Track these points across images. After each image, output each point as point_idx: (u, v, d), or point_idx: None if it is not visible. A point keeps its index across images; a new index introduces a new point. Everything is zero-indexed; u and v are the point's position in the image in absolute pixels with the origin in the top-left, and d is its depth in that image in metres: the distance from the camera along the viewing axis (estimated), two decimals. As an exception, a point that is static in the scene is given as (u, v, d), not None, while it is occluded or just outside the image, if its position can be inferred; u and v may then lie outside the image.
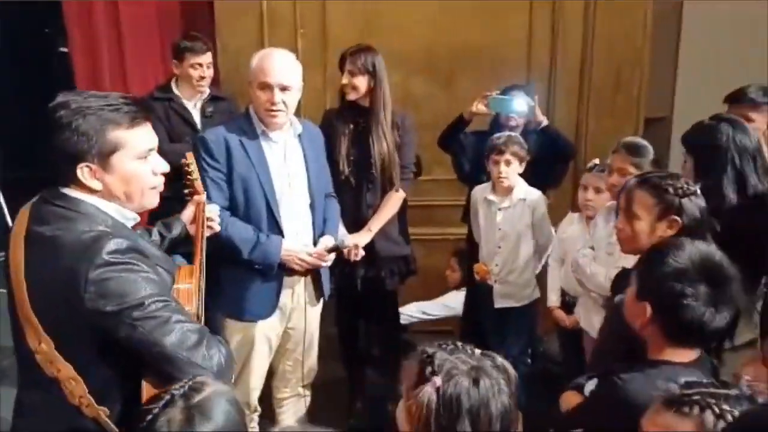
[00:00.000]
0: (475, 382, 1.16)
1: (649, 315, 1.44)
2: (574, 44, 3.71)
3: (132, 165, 1.48)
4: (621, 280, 1.95)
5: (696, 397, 1.11)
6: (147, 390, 1.41)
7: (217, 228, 2.06)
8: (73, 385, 1.41)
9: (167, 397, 1.19)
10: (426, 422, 1.14)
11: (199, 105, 3.36)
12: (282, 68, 2.33)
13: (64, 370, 1.41)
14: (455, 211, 3.53)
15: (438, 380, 1.15)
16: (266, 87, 2.32)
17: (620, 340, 1.57)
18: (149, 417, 1.17)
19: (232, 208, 2.40)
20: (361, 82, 2.79)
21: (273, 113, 2.34)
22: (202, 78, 3.29)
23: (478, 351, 1.22)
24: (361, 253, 2.81)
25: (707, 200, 1.85)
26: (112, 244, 1.38)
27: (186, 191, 2.02)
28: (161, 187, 1.57)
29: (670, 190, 1.78)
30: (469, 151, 3.23)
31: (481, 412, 1.15)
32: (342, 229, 2.81)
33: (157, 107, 3.19)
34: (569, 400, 1.63)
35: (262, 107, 2.34)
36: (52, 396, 1.43)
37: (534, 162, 3.02)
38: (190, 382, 1.22)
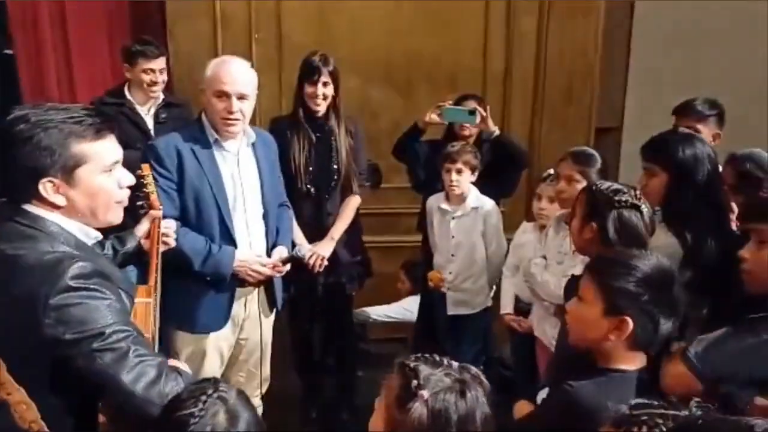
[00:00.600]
0: (462, 394, 1.17)
1: (627, 327, 1.45)
2: (528, 55, 3.79)
3: (97, 179, 1.43)
4: (571, 287, 1.98)
5: (644, 418, 1.13)
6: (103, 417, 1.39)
7: (173, 244, 2.01)
8: (24, 409, 1.34)
9: (207, 400, 1.22)
10: None
11: (152, 111, 3.27)
12: (239, 77, 2.31)
13: (15, 394, 1.34)
14: (413, 219, 3.55)
15: (426, 394, 1.16)
16: (223, 95, 2.28)
17: (574, 351, 1.59)
18: (195, 420, 1.19)
19: (183, 218, 2.34)
20: (330, 92, 2.79)
21: (230, 122, 2.31)
22: (155, 83, 3.20)
23: (455, 363, 1.23)
24: (326, 263, 2.81)
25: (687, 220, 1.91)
26: (75, 268, 1.33)
27: (140, 203, 1.96)
28: (126, 202, 1.53)
29: (599, 196, 1.86)
30: (424, 160, 3.25)
31: (468, 424, 1.16)
32: (301, 238, 2.79)
33: (107, 111, 3.10)
34: (522, 409, 1.67)
35: (219, 116, 2.30)
36: (1, 420, 1.36)
37: (488, 170, 3.06)
38: (219, 386, 1.25)
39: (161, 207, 2.02)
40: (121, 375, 1.32)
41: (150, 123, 3.25)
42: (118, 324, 1.34)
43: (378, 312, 3.75)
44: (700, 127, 2.81)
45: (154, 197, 1.97)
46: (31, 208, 1.40)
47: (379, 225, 3.66)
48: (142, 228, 1.98)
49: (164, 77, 3.25)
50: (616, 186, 1.88)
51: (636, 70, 4.07)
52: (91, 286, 1.34)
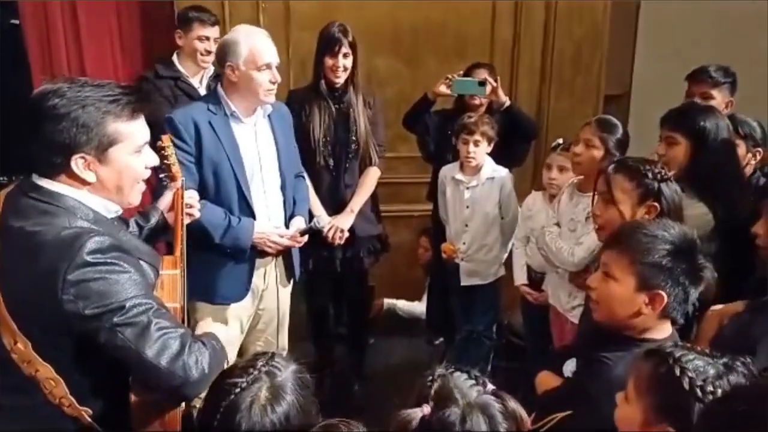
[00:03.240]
0: (463, 420, 1.08)
1: (662, 300, 1.46)
2: (536, 23, 3.75)
3: (128, 158, 1.44)
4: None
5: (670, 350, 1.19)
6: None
7: (197, 215, 2.01)
8: (53, 385, 1.37)
9: (254, 373, 1.24)
10: None
11: (204, 82, 3.15)
12: (272, 46, 2.35)
13: (43, 371, 1.36)
14: (421, 189, 3.57)
15: (427, 408, 1.10)
16: (268, 67, 2.31)
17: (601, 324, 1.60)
18: (237, 390, 1.21)
19: (201, 190, 2.35)
20: (350, 63, 2.77)
21: (272, 91, 2.34)
22: (208, 53, 3.05)
23: (491, 387, 1.15)
24: (346, 235, 2.83)
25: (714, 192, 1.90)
26: (93, 243, 1.32)
27: (161, 175, 1.96)
28: (143, 185, 1.53)
29: (650, 175, 1.82)
30: (434, 131, 3.25)
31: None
32: (320, 209, 2.81)
33: (163, 86, 3.01)
34: (546, 380, 1.65)
35: (262, 87, 2.31)
36: (31, 397, 1.38)
37: (497, 141, 3.06)
38: (272, 362, 1.27)
39: (183, 177, 2.03)
40: (144, 349, 1.32)
41: (203, 95, 3.06)
42: (139, 297, 1.34)
43: (405, 309, 3.82)
44: (714, 92, 2.81)
45: (175, 168, 1.96)
46: (48, 184, 1.39)
47: (386, 195, 3.67)
48: (165, 200, 1.97)
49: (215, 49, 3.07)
50: (641, 159, 1.89)
51: (644, 37, 4.05)
52: (109, 260, 1.33)
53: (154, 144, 1.93)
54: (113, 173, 1.42)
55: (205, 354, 1.41)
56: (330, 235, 2.81)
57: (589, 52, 3.79)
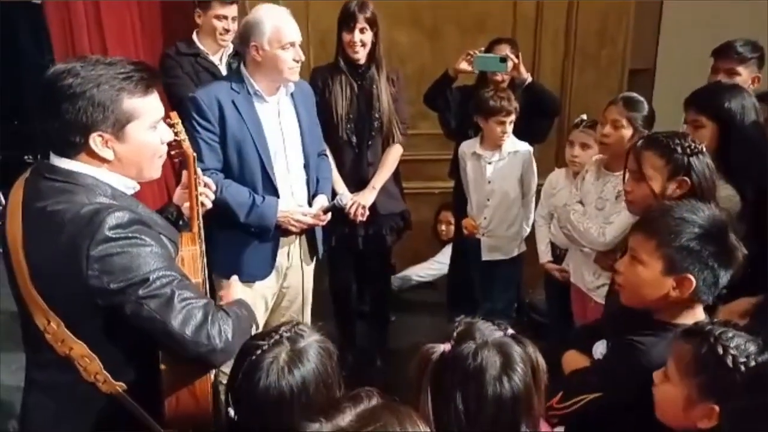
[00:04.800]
0: (476, 354, 1.14)
1: (691, 284, 1.44)
2: (559, -5, 3.68)
3: (145, 134, 1.44)
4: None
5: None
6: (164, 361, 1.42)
7: (209, 205, 1.92)
8: (88, 362, 1.40)
9: (276, 337, 1.27)
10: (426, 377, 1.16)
11: (225, 60, 3.16)
12: (295, 24, 2.34)
13: (77, 348, 1.39)
14: (441, 166, 3.55)
15: (448, 345, 1.16)
16: (292, 45, 2.31)
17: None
18: (258, 351, 1.25)
19: (226, 169, 2.37)
20: (369, 39, 2.75)
21: (296, 69, 2.34)
22: (227, 31, 3.08)
23: (510, 330, 1.20)
24: (367, 212, 2.83)
25: (739, 174, 1.86)
26: (113, 219, 1.33)
27: (173, 152, 1.95)
28: (165, 156, 1.54)
29: (679, 149, 1.78)
30: (455, 108, 3.22)
31: (471, 385, 1.13)
32: (342, 187, 2.81)
33: (184, 63, 3.03)
34: (574, 359, 1.64)
35: (287, 65, 2.31)
36: (66, 374, 1.41)
37: (519, 118, 3.02)
38: (295, 329, 1.30)
39: (194, 154, 1.99)
40: (170, 320, 1.35)
41: (224, 72, 3.12)
42: (162, 270, 1.36)
43: (419, 272, 3.84)
44: (740, 68, 2.72)
45: (186, 144, 1.94)
46: (66, 164, 1.40)
47: (407, 172, 3.65)
48: (178, 194, 1.91)
49: (235, 26, 3.09)
50: (671, 133, 1.85)
51: (669, 10, 3.96)
52: (131, 235, 1.35)
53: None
54: (132, 149, 1.43)
55: (229, 322, 1.43)
56: (352, 211, 2.81)
57: (615, 24, 3.72)
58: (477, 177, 3.05)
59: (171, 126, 1.89)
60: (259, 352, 1.25)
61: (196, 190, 1.86)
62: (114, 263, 1.32)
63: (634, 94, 2.53)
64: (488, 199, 3.02)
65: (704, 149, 1.82)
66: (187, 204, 1.83)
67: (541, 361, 1.18)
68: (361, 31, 2.73)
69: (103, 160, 1.42)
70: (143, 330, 1.38)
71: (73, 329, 1.38)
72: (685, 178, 1.79)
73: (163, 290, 1.35)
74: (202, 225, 1.81)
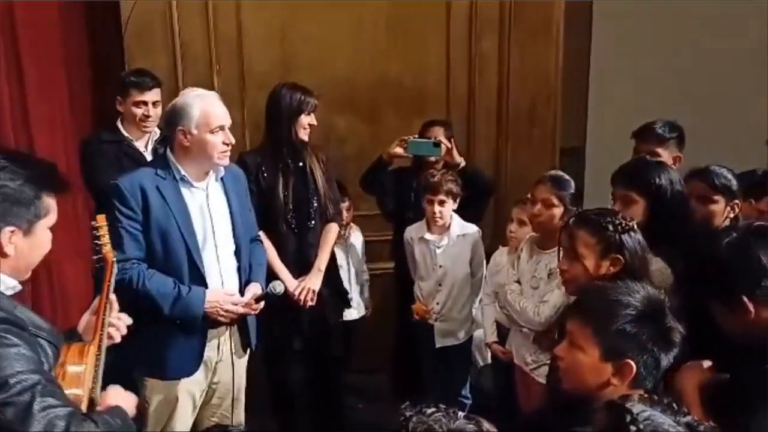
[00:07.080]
0: None
1: (631, 370, 1.39)
2: (490, 79, 3.80)
3: (46, 232, 1.46)
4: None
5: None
6: None
7: (117, 339, 1.72)
8: None
9: None
10: None
11: (150, 146, 3.05)
12: (224, 108, 2.33)
13: None
14: (383, 246, 3.52)
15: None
16: (221, 129, 2.27)
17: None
18: None
19: (150, 259, 2.26)
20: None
21: (226, 153, 2.31)
22: (147, 117, 2.97)
23: (461, 414, 1.13)
24: (315, 297, 2.76)
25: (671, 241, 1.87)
26: None
27: (95, 257, 1.85)
28: None
29: (610, 227, 1.78)
30: (392, 190, 3.24)
31: None
32: (286, 274, 2.74)
33: (107, 150, 2.92)
34: None
35: (216, 150, 2.27)
36: None
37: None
38: None
39: (115, 257, 1.89)
40: (28, 430, 1.26)
41: (150, 159, 2.95)
42: (25, 373, 1.29)
43: None
44: (659, 150, 2.74)
45: (107, 249, 1.86)
46: None
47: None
48: (84, 321, 1.72)
49: (158, 111, 2.98)
50: (602, 210, 1.87)
51: (596, 90, 4.14)
52: None
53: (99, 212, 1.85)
54: (32, 247, 1.44)
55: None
56: (302, 297, 2.72)
57: (544, 104, 3.84)
58: (427, 262, 3.02)
59: (95, 229, 1.82)
60: None
61: (107, 299, 1.71)
62: None
63: (560, 173, 2.58)
64: (440, 284, 2.99)
65: (635, 226, 1.83)
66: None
67: None
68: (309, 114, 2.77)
69: (3, 255, 1.38)
70: None
71: None
72: (618, 255, 1.78)
73: (21, 397, 1.28)
74: (105, 338, 1.63)
